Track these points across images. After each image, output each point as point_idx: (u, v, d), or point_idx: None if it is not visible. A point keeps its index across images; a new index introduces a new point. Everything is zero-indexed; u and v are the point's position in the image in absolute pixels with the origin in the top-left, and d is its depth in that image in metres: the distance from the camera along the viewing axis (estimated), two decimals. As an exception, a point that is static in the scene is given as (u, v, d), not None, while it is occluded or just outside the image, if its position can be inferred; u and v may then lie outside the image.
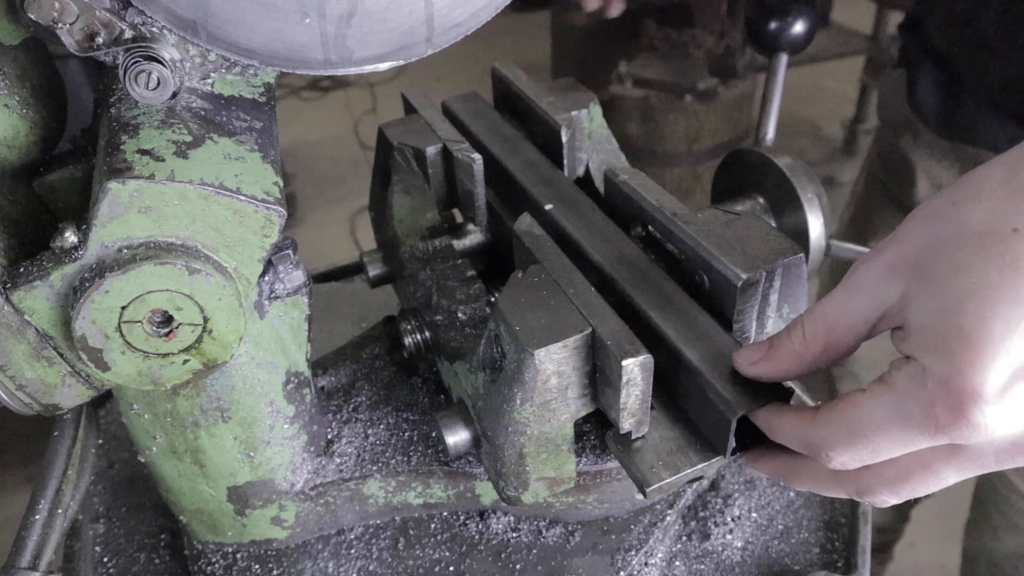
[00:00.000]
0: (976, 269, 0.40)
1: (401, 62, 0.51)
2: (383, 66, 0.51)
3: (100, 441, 0.86)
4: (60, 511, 0.61)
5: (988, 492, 1.19)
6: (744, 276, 0.54)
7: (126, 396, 0.59)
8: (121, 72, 0.48)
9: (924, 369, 0.41)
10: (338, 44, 0.49)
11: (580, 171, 0.78)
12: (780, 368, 0.49)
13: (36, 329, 0.50)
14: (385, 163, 0.78)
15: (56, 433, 0.61)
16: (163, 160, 0.48)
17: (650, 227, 0.65)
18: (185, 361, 0.52)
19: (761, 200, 0.82)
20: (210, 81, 0.53)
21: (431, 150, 0.74)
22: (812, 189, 0.77)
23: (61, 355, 0.51)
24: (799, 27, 0.83)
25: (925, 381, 0.41)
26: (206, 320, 0.50)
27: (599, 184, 0.75)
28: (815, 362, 0.48)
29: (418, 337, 0.72)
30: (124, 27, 0.48)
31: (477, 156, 0.71)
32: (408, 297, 0.73)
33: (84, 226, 0.48)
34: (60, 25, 0.46)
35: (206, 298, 0.50)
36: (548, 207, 0.69)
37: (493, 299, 0.70)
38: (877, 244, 0.46)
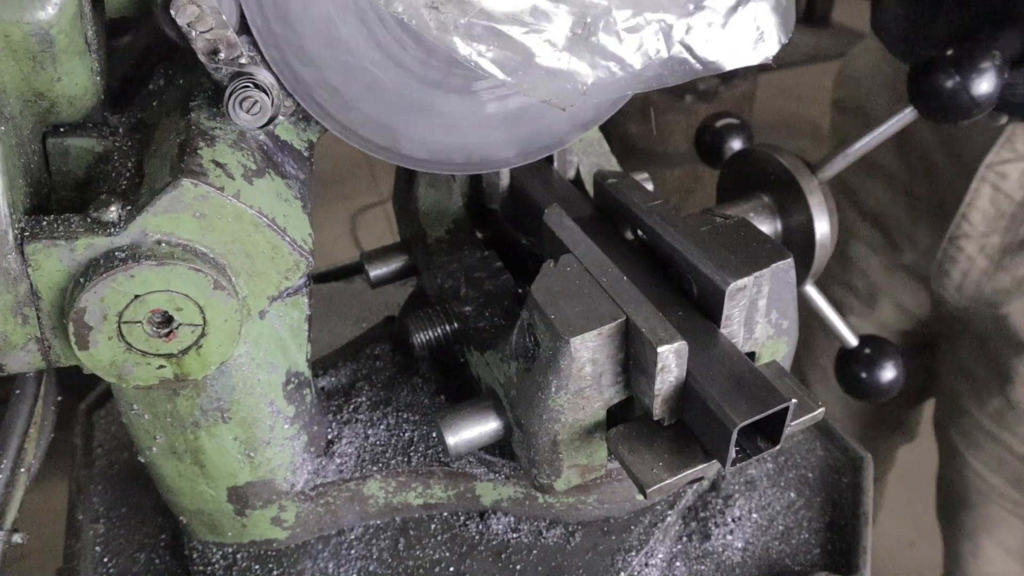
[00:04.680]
0: None
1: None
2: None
3: (99, 442, 0.87)
4: (23, 470, 0.60)
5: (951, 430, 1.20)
6: (731, 282, 0.54)
7: (126, 396, 0.59)
8: (227, 94, 0.51)
9: None
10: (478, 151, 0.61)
11: (571, 174, 0.77)
12: None
13: (31, 284, 0.49)
14: None
15: (18, 392, 0.61)
16: (233, 179, 0.51)
17: (639, 231, 0.64)
18: (160, 367, 0.52)
19: (767, 199, 0.81)
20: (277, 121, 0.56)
21: None
22: (818, 188, 0.76)
23: (39, 319, 0.50)
24: (889, 374, 0.85)
25: None
26: (201, 335, 0.51)
27: (590, 187, 0.75)
28: None
29: (440, 330, 0.71)
30: (243, 51, 0.51)
31: None
32: (435, 289, 0.73)
33: (130, 207, 0.49)
34: (192, 32, 0.49)
35: (215, 314, 0.50)
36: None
37: (521, 290, 0.70)
38: None
